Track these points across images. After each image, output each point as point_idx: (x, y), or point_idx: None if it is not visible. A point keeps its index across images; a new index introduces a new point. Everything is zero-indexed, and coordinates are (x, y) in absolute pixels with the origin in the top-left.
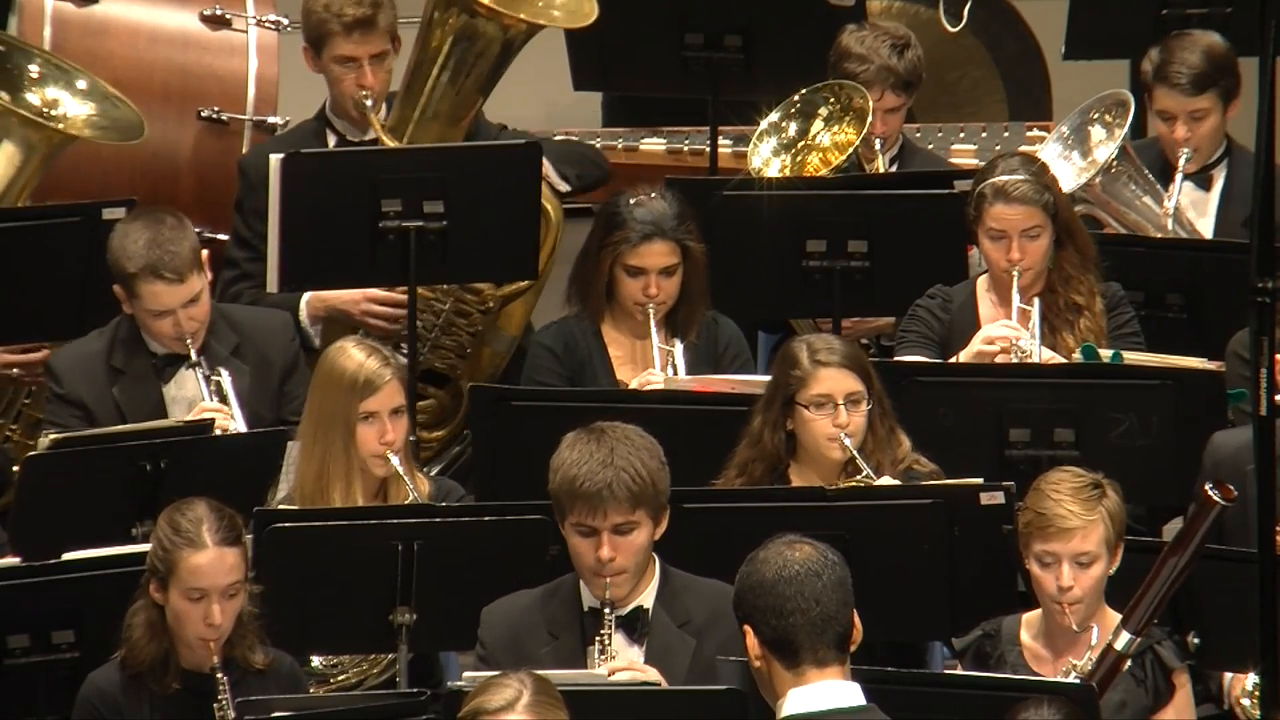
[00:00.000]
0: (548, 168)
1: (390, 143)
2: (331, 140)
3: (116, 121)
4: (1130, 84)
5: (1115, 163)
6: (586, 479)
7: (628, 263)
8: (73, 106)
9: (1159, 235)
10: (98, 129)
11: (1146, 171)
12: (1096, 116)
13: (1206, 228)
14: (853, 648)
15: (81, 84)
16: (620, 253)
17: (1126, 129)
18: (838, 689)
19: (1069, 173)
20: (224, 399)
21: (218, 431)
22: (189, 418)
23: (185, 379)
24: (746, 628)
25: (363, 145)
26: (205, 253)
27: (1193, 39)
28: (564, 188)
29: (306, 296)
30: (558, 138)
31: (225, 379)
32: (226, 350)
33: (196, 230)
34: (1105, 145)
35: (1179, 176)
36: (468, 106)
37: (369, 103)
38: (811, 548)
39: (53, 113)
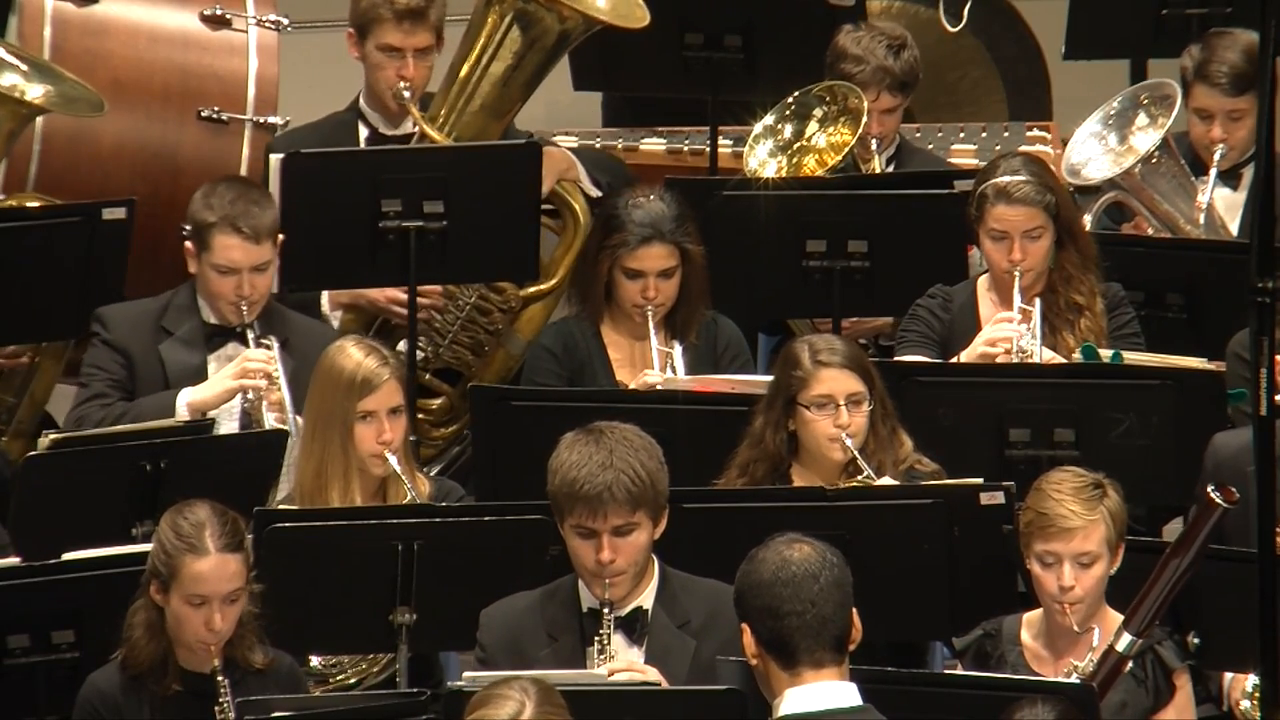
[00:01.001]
0: (582, 173)
1: (431, 133)
2: (364, 132)
3: (75, 100)
4: (1131, 84)
5: (1157, 154)
6: (586, 481)
7: (626, 265)
8: (32, 91)
9: (1190, 228)
10: (60, 103)
11: (1185, 166)
12: (1145, 102)
13: (1234, 227)
14: (852, 647)
15: (25, 67)
16: (619, 255)
17: (1171, 121)
18: (834, 689)
19: (1103, 156)
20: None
21: (260, 379)
22: (228, 370)
23: (232, 352)
24: (744, 626)
25: (395, 139)
26: (281, 236)
27: (1233, 38)
28: (595, 193)
29: None
30: (578, 142)
31: (275, 345)
32: (277, 340)
33: None
34: (1145, 133)
35: (1213, 173)
36: (513, 100)
37: (407, 94)
38: (811, 548)
39: (12, 95)
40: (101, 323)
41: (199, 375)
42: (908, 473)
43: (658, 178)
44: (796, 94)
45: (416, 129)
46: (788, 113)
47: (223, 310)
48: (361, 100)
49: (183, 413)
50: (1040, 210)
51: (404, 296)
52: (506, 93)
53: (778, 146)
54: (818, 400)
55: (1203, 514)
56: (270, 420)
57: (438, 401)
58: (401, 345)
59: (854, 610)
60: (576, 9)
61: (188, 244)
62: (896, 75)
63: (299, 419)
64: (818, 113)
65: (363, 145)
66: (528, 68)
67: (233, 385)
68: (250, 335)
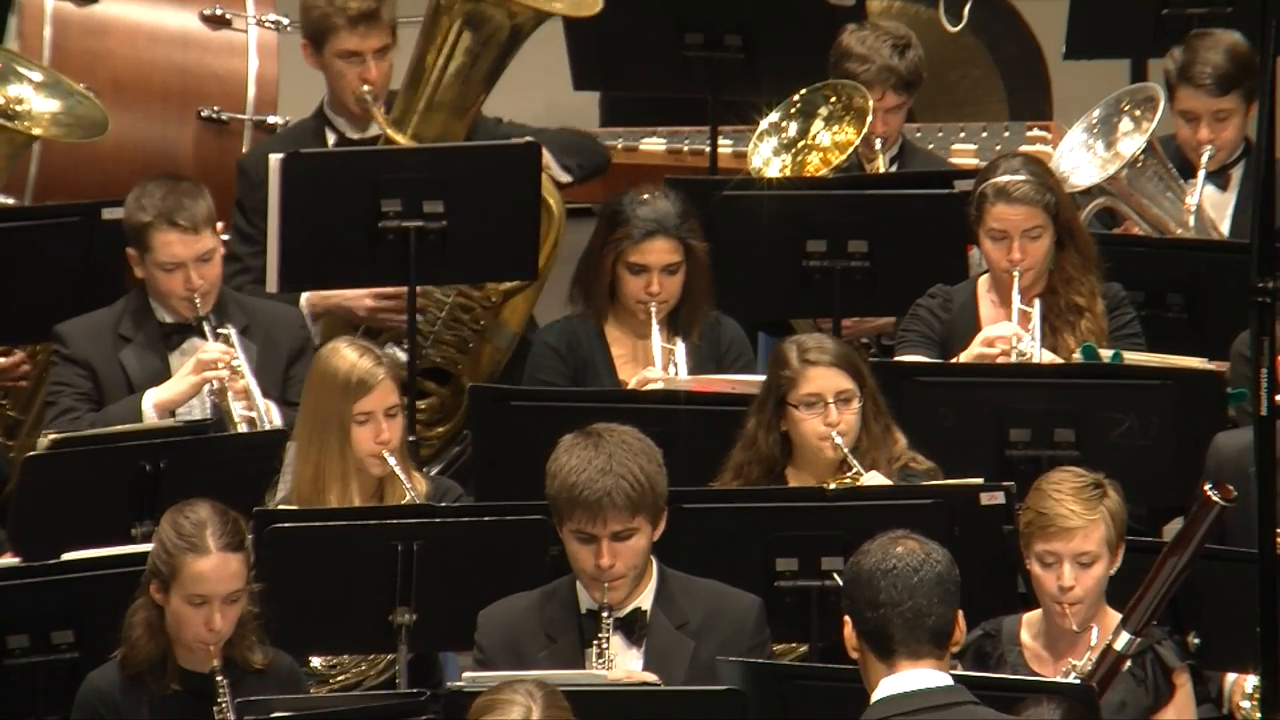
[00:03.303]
0: (549, 159)
1: (395, 135)
2: (331, 138)
3: (80, 119)
4: (1131, 85)
5: (1142, 158)
6: (585, 487)
7: (630, 260)
8: (37, 103)
9: (1180, 231)
10: (62, 126)
11: (1172, 168)
12: (1126, 108)
13: (1224, 227)
14: (955, 648)
15: (39, 77)
16: (623, 250)
17: (1155, 124)
18: (927, 675)
19: (1090, 162)
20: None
21: (222, 370)
22: (188, 367)
23: (192, 348)
24: (846, 618)
25: (362, 142)
26: (220, 224)
27: (1215, 38)
28: (565, 179)
29: (306, 294)
30: (555, 127)
31: (233, 333)
32: (236, 328)
33: None
34: (1131, 138)
35: (1201, 174)
36: (473, 98)
37: (371, 97)
38: (916, 543)
39: (17, 109)
40: (60, 340)
41: (162, 377)
42: (902, 470)
43: (658, 178)
44: (803, 91)
45: (383, 131)
46: (793, 110)
47: (176, 307)
48: (325, 106)
49: (150, 415)
50: (1040, 209)
51: (383, 304)
52: (466, 91)
53: (782, 144)
54: (806, 399)
55: (1200, 512)
56: (238, 409)
57: (428, 401)
58: (387, 348)
59: (959, 611)
60: (526, 4)
61: (130, 250)
62: (901, 75)
63: (270, 405)
64: (823, 111)
65: None
66: (484, 65)
67: (195, 380)
68: (207, 328)
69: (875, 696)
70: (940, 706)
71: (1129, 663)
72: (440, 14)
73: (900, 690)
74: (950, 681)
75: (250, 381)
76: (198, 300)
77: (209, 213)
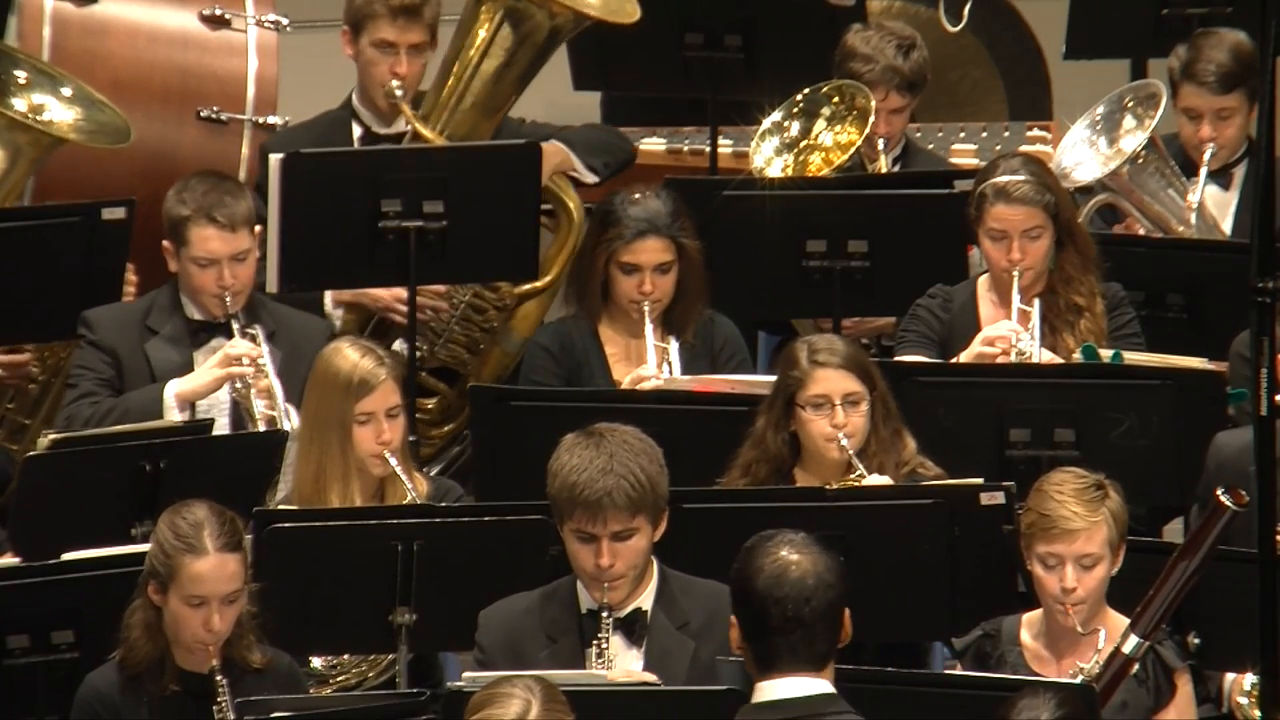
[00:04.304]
0: (575, 161)
1: (423, 130)
2: (357, 131)
3: (103, 126)
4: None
5: (1144, 153)
6: (586, 486)
7: (622, 259)
8: (58, 112)
9: (1181, 228)
10: (84, 133)
11: (1174, 165)
12: (1129, 105)
13: (1225, 226)
14: (840, 645)
15: (67, 90)
16: (615, 249)
17: (1157, 121)
18: (804, 683)
19: (1092, 158)
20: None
21: (247, 367)
22: (214, 360)
23: (218, 346)
24: (733, 618)
25: (388, 138)
26: (258, 228)
27: (1219, 37)
28: (591, 179)
29: None
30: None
31: (260, 334)
32: (263, 332)
33: None
34: (1133, 135)
35: (1204, 171)
36: (504, 98)
37: (400, 93)
38: (809, 561)
39: (39, 117)
40: (87, 324)
41: (185, 372)
42: (910, 476)
43: (658, 178)
44: (806, 91)
45: (409, 127)
46: (795, 110)
47: (206, 304)
48: (354, 99)
49: (170, 404)
50: (1039, 210)
51: (394, 291)
52: (498, 90)
53: (784, 144)
54: (814, 400)
55: (1211, 516)
56: (260, 408)
57: (434, 400)
58: (397, 344)
59: (846, 613)
60: (567, 5)
61: (165, 243)
62: (905, 75)
63: (290, 409)
64: (825, 111)
65: (356, 144)
66: (519, 65)
67: (220, 374)
68: (235, 326)
69: (755, 698)
70: (814, 716)
71: (1135, 665)
72: (480, 7)
73: (776, 697)
74: (829, 689)
75: (274, 381)
76: (228, 299)
77: (249, 213)
